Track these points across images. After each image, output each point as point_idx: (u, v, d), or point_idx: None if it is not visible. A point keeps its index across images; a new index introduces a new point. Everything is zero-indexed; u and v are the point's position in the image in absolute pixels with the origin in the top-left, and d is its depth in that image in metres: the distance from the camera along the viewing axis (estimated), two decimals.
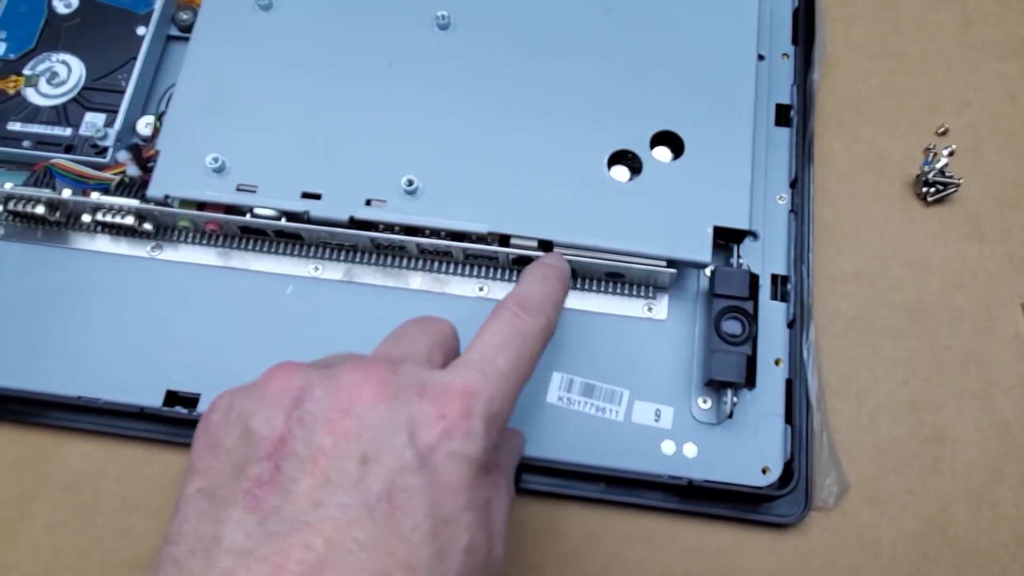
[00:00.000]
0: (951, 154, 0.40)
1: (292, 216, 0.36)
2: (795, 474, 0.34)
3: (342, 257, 0.38)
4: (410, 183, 0.35)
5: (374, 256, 0.38)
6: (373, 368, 0.23)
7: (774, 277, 0.37)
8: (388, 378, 0.23)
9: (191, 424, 0.36)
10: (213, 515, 0.21)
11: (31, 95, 0.39)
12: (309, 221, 0.35)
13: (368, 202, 0.35)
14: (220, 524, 0.21)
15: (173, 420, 0.36)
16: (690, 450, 0.34)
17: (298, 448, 0.22)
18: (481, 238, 0.35)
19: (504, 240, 0.35)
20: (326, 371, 0.24)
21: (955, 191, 0.39)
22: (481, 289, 0.37)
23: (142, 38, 0.40)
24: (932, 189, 0.39)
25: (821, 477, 0.35)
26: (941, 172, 0.39)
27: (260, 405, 0.23)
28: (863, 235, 0.39)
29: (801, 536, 0.34)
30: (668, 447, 0.35)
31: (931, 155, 0.40)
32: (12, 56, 0.40)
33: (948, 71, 0.42)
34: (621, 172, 0.36)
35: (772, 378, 0.35)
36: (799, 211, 0.38)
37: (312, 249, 0.38)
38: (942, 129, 0.41)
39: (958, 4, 0.44)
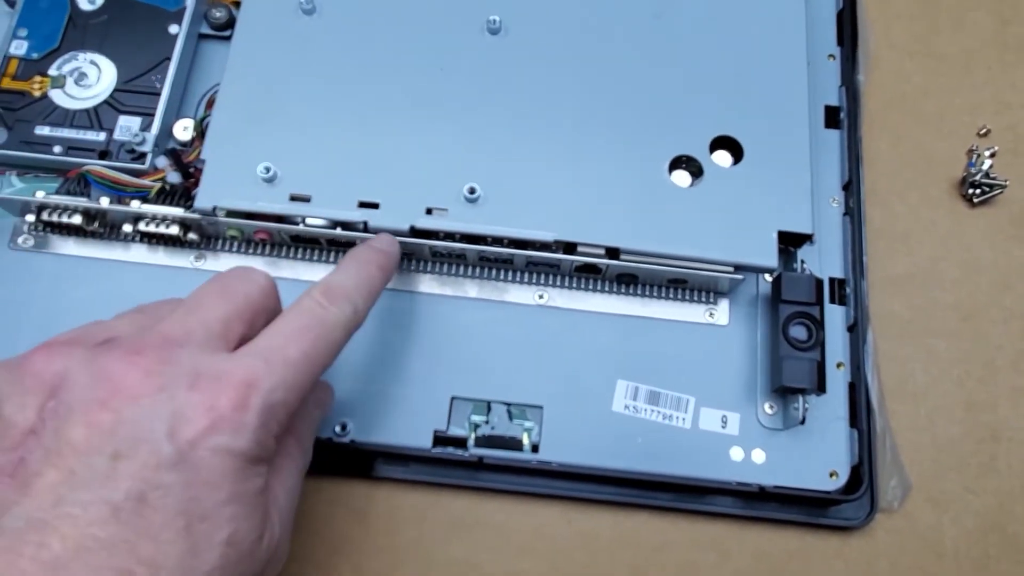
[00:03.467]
0: (992, 155, 0.40)
1: (347, 225, 0.35)
2: (863, 478, 0.34)
3: None
4: (472, 191, 0.34)
5: (430, 264, 0.37)
6: (143, 357, 0.22)
7: (832, 281, 0.37)
8: (157, 368, 0.22)
9: None
10: None
11: (58, 97, 0.37)
12: (367, 231, 0.34)
13: (429, 211, 0.34)
14: None
15: None
16: (759, 456, 0.34)
17: (47, 440, 0.21)
18: (545, 246, 0.35)
19: (569, 248, 0.35)
20: (92, 355, 0.22)
21: (1001, 192, 0.39)
22: (541, 297, 0.37)
23: (175, 37, 0.38)
24: (978, 191, 0.39)
25: (885, 480, 0.35)
26: (986, 174, 0.39)
27: (15, 390, 0.22)
28: (913, 236, 0.39)
29: (867, 538, 0.35)
30: (736, 453, 0.34)
31: (975, 157, 0.40)
32: (35, 55, 0.38)
33: (988, 71, 0.42)
34: (683, 177, 0.36)
35: (835, 382, 0.36)
36: (853, 214, 0.38)
37: None
38: (984, 131, 0.41)
39: (993, 2, 0.44)
